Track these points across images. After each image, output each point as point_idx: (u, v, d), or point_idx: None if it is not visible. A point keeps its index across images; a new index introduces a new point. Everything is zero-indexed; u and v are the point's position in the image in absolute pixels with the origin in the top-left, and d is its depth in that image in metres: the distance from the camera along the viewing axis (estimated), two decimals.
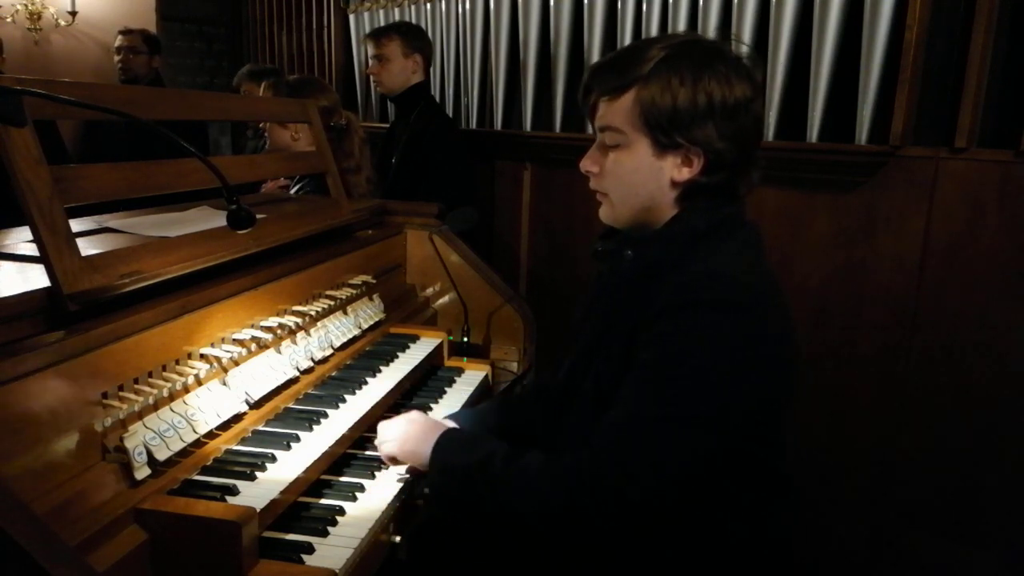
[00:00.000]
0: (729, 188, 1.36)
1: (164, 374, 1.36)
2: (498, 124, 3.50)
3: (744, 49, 1.37)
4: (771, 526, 1.43)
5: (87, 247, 1.32)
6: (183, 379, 1.37)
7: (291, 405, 1.64)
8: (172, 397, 1.36)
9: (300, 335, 1.75)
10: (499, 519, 1.38)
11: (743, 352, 1.25)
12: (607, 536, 1.31)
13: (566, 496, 1.27)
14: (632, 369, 1.30)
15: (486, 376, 2.13)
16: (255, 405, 1.54)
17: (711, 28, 2.68)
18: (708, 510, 1.35)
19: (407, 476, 1.53)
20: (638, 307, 1.31)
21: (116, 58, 4.21)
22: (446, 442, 1.43)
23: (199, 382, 1.43)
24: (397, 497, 1.47)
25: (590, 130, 1.49)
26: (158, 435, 1.28)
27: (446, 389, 2.00)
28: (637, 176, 1.35)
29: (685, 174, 1.33)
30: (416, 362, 1.97)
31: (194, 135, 3.91)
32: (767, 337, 1.29)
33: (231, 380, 1.50)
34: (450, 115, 3.65)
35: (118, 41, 4.21)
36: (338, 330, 1.89)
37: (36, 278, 1.24)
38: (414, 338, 2.12)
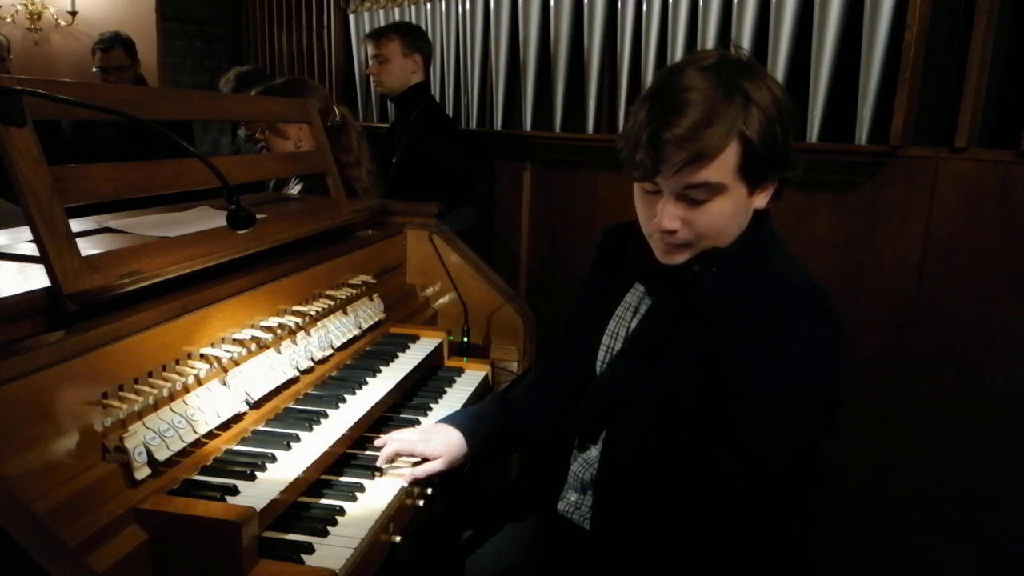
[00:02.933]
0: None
1: (164, 374, 1.36)
2: (498, 124, 3.50)
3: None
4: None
5: (87, 247, 1.32)
6: (183, 379, 1.37)
7: (291, 405, 1.64)
8: (172, 397, 1.36)
9: (300, 335, 1.75)
10: None
11: (842, 355, 1.30)
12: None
13: (757, 563, 1.25)
14: (721, 385, 1.27)
15: (486, 376, 2.13)
16: (255, 405, 1.54)
17: (711, 28, 2.68)
18: None
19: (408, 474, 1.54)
20: (709, 318, 1.31)
21: (102, 76, 3.97)
22: None
23: (199, 382, 1.43)
24: (397, 497, 1.47)
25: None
26: (158, 435, 1.28)
27: (446, 389, 2.00)
28: (735, 219, 1.34)
29: (763, 200, 1.36)
30: (416, 362, 1.97)
31: (178, 134, 3.81)
32: (848, 337, 1.34)
33: (231, 380, 1.50)
34: (450, 115, 3.65)
35: (99, 59, 3.96)
36: (338, 330, 1.89)
37: (36, 278, 1.24)
38: (414, 338, 2.13)
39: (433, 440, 1.60)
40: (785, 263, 1.36)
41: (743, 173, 1.27)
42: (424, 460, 1.58)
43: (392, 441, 1.60)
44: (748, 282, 1.31)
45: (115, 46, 3.97)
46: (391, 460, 1.56)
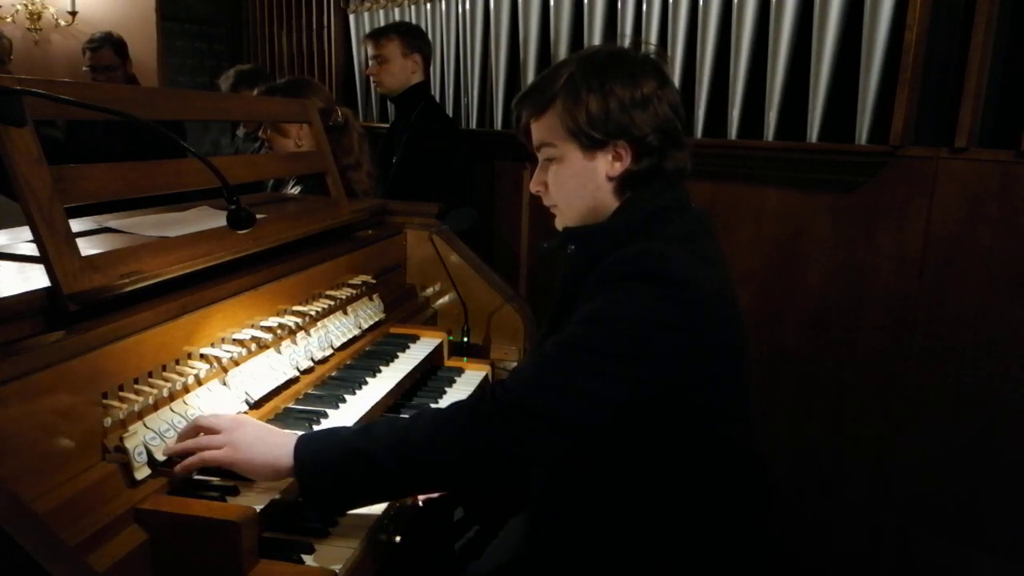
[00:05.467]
0: (662, 172, 1.44)
1: (164, 374, 1.36)
2: (498, 124, 3.50)
3: (651, 48, 1.51)
4: (746, 502, 1.47)
5: (87, 247, 1.32)
6: (183, 379, 1.37)
7: (291, 405, 1.64)
8: (172, 397, 1.36)
9: (300, 335, 1.75)
10: (401, 489, 1.38)
11: (663, 319, 1.29)
12: (535, 472, 1.37)
13: (484, 425, 1.30)
14: None
15: (486, 376, 2.13)
16: (255, 405, 1.54)
17: (711, 28, 2.69)
18: (674, 482, 1.40)
19: None
20: (580, 298, 1.37)
21: (92, 75, 3.92)
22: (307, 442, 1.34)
23: (199, 382, 1.43)
24: None
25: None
26: (158, 435, 1.28)
27: (446, 389, 2.00)
28: (576, 180, 1.46)
29: (618, 168, 1.43)
30: (416, 362, 1.97)
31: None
32: (694, 309, 1.31)
33: (231, 380, 1.50)
34: (450, 115, 3.65)
35: (88, 58, 3.92)
36: (338, 330, 1.89)
37: (36, 278, 1.24)
38: (414, 338, 2.13)
39: None
40: (661, 238, 1.37)
41: (570, 135, 1.42)
42: None
43: None
44: (609, 258, 1.37)
45: (104, 46, 3.94)
46: None
